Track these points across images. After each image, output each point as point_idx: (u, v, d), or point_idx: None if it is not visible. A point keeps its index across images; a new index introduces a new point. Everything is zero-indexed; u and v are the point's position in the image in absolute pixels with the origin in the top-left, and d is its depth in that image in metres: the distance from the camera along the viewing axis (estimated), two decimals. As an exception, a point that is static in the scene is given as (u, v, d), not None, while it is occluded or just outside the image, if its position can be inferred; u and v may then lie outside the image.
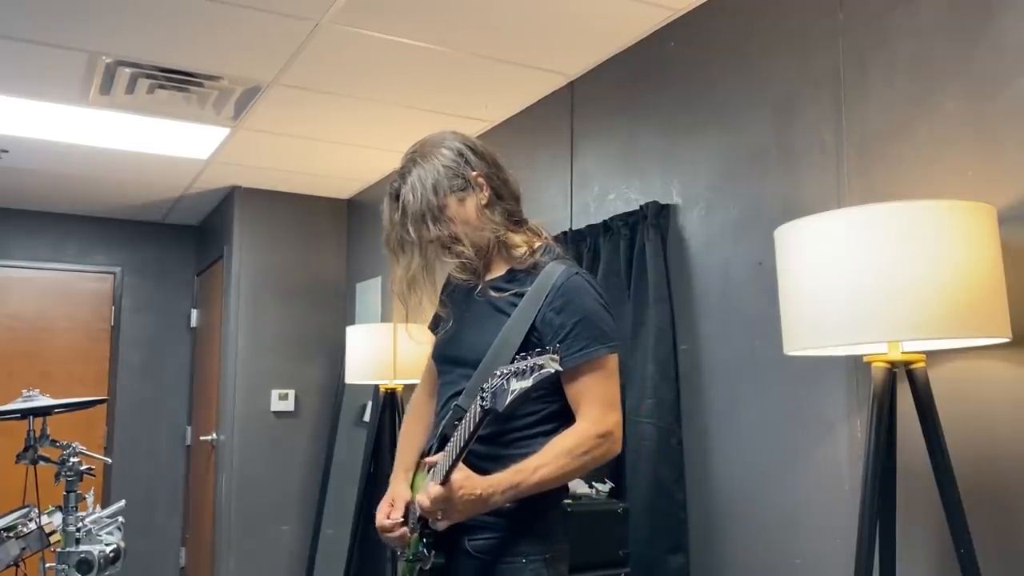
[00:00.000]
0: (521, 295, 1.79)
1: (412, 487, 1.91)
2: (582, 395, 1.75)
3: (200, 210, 5.50)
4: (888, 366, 1.69)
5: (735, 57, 2.52)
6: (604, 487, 2.56)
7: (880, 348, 1.71)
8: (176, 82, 3.30)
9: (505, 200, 1.88)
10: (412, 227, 1.81)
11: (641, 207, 2.72)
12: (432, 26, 2.82)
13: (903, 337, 1.58)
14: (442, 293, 1.99)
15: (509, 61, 3.10)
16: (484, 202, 1.84)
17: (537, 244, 1.87)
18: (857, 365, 2.06)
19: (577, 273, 1.80)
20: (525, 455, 1.72)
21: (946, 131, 1.91)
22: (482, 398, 1.57)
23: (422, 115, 3.65)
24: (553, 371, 1.52)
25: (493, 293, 1.83)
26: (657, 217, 2.67)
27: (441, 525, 1.71)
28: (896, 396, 1.71)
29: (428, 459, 1.78)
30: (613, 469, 2.66)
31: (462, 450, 1.62)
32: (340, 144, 4.09)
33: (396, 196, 1.87)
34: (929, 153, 1.95)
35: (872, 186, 2.07)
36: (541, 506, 1.77)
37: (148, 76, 3.25)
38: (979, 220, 1.60)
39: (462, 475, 1.65)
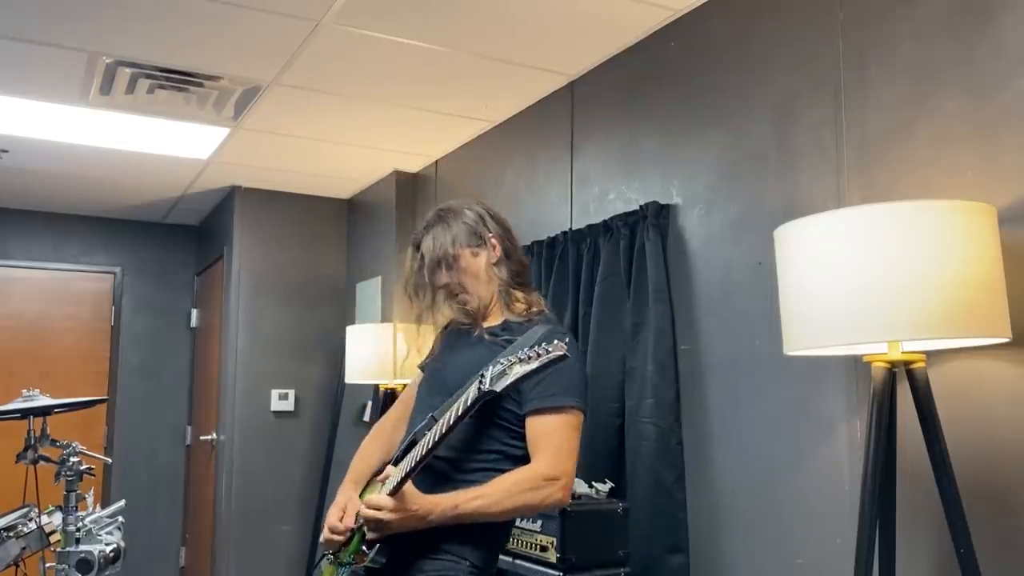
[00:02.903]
0: (510, 342, 1.92)
1: (361, 498, 1.99)
2: (541, 438, 1.84)
3: (200, 210, 5.51)
4: (888, 366, 1.69)
5: (735, 57, 2.52)
6: (604, 487, 2.56)
7: (880, 348, 1.70)
8: (176, 82, 3.30)
9: (513, 262, 2.06)
10: (427, 271, 2.00)
11: (641, 207, 2.72)
12: (432, 26, 2.82)
13: (903, 337, 1.58)
14: (438, 336, 2.14)
15: (509, 61, 3.10)
16: (494, 260, 2.03)
17: (535, 308, 2.03)
18: (857, 365, 2.06)
19: (564, 333, 1.95)
20: (473, 486, 1.82)
21: (946, 131, 1.91)
22: (480, 381, 1.68)
23: (422, 115, 3.65)
24: (561, 354, 1.63)
25: (487, 337, 1.98)
26: (657, 217, 2.67)
27: (372, 529, 1.79)
28: (896, 396, 1.71)
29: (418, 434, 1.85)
30: (613, 469, 2.67)
31: (448, 430, 1.73)
32: (340, 144, 4.09)
33: (417, 246, 2.06)
34: (929, 153, 1.95)
35: (872, 186, 2.07)
36: (490, 541, 1.89)
37: (148, 76, 3.25)
38: (979, 220, 1.60)
39: (408, 490, 1.75)
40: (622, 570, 2.42)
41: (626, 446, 2.65)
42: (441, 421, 1.75)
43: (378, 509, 1.75)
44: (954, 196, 1.83)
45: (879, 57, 2.08)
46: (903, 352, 1.69)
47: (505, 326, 1.99)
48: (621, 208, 2.87)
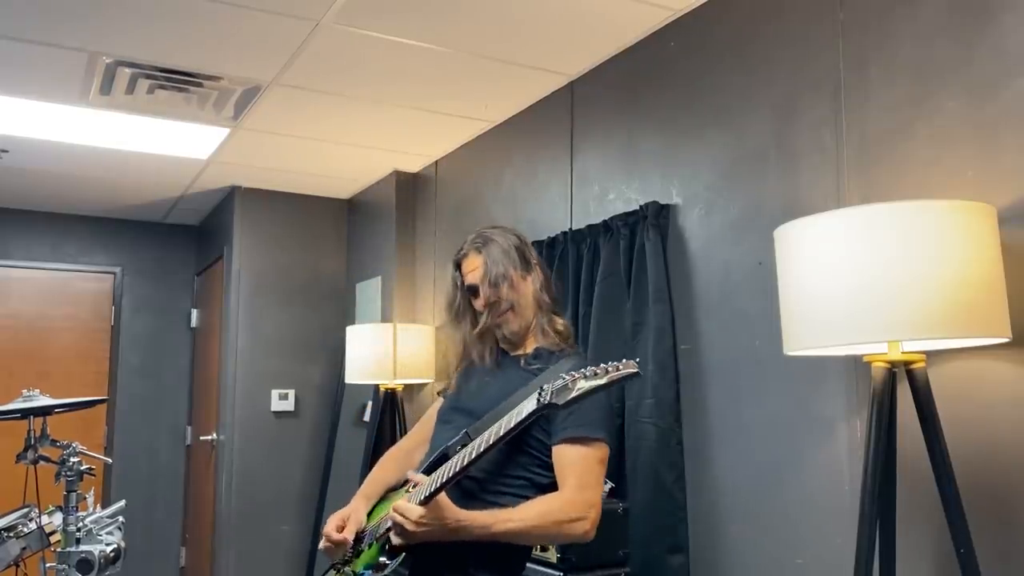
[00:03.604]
0: (541, 370, 1.92)
1: (370, 515, 2.00)
2: (571, 468, 1.82)
3: (200, 210, 5.51)
4: (888, 366, 1.69)
5: (735, 57, 2.52)
6: (604, 487, 2.55)
7: (880, 348, 1.70)
8: (176, 82, 3.30)
9: (552, 288, 2.07)
10: (488, 288, 1.98)
11: (641, 207, 2.72)
12: (432, 26, 2.82)
13: (903, 337, 1.58)
14: (463, 360, 2.11)
15: (509, 61, 3.10)
16: (539, 285, 2.04)
17: (568, 340, 2.02)
18: (857, 365, 2.06)
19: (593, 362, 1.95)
20: (504, 508, 1.81)
21: (946, 131, 1.91)
22: (540, 393, 1.63)
23: (422, 115, 3.65)
24: (633, 371, 1.58)
25: (522, 364, 1.98)
26: (657, 217, 2.67)
27: (398, 535, 1.74)
28: (896, 396, 1.71)
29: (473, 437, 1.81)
30: (613, 469, 2.66)
31: (496, 441, 1.70)
32: (340, 144, 4.09)
33: (458, 265, 2.06)
34: (929, 153, 1.95)
35: (872, 186, 2.07)
36: (512, 566, 1.89)
37: (148, 76, 3.24)
38: (979, 220, 1.60)
39: (443, 501, 1.73)
40: (622, 570, 2.42)
41: (626, 446, 2.65)
42: (487, 433, 1.72)
43: (406, 516, 1.71)
44: (954, 196, 1.83)
45: (879, 57, 2.08)
46: (903, 352, 1.69)
47: (537, 354, 2.00)
48: (621, 208, 2.87)
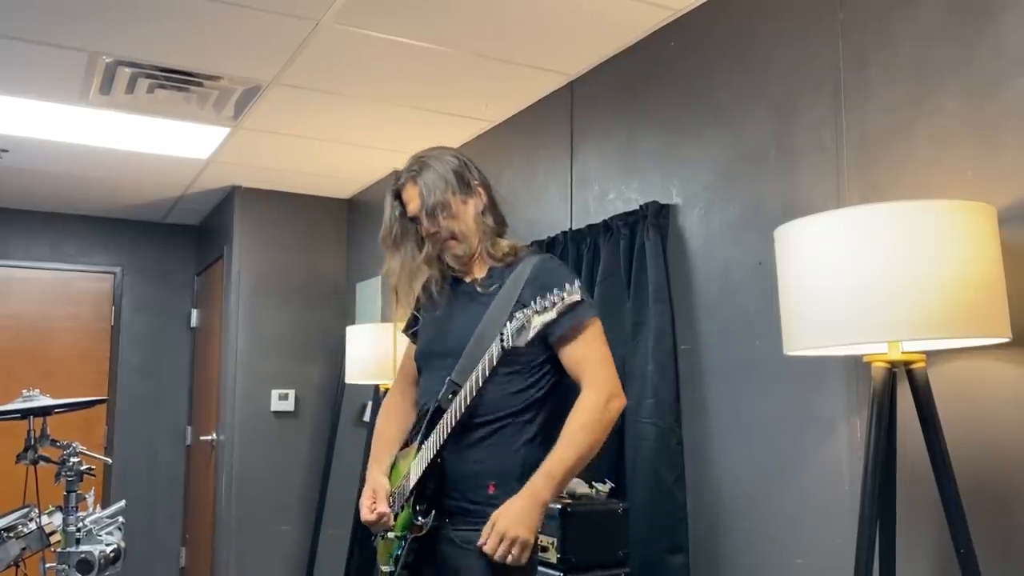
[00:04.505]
0: (500, 286, 1.95)
1: (391, 477, 2.04)
2: (583, 360, 1.89)
3: (200, 210, 5.51)
4: (888, 366, 1.69)
5: (735, 57, 2.52)
6: (604, 487, 2.56)
7: (880, 348, 1.70)
8: (176, 82, 3.30)
9: (497, 210, 2.06)
10: (426, 219, 1.97)
11: (641, 207, 2.72)
12: (432, 26, 2.82)
13: (903, 337, 1.58)
14: (420, 296, 2.13)
15: (509, 61, 3.10)
16: (481, 208, 2.01)
17: (519, 249, 2.04)
18: (857, 365, 2.06)
19: (551, 257, 2.01)
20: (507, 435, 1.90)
21: (946, 131, 1.91)
22: (501, 337, 1.76)
23: (422, 115, 3.65)
24: (577, 299, 1.71)
25: (478, 289, 2.00)
26: (657, 217, 2.67)
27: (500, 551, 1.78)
28: (896, 396, 1.71)
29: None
30: (613, 469, 2.67)
31: (477, 393, 1.83)
32: (340, 144, 4.09)
33: (397, 195, 2.04)
34: (929, 153, 1.95)
35: (872, 186, 2.07)
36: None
37: (148, 76, 3.25)
38: (979, 220, 1.60)
39: (498, 513, 1.79)
40: (622, 570, 2.42)
41: (626, 446, 2.65)
42: (467, 386, 1.83)
43: (514, 541, 1.76)
44: (954, 196, 1.83)
45: (879, 57, 2.08)
46: (903, 352, 1.69)
47: (490, 274, 2.01)
48: (621, 208, 2.87)
